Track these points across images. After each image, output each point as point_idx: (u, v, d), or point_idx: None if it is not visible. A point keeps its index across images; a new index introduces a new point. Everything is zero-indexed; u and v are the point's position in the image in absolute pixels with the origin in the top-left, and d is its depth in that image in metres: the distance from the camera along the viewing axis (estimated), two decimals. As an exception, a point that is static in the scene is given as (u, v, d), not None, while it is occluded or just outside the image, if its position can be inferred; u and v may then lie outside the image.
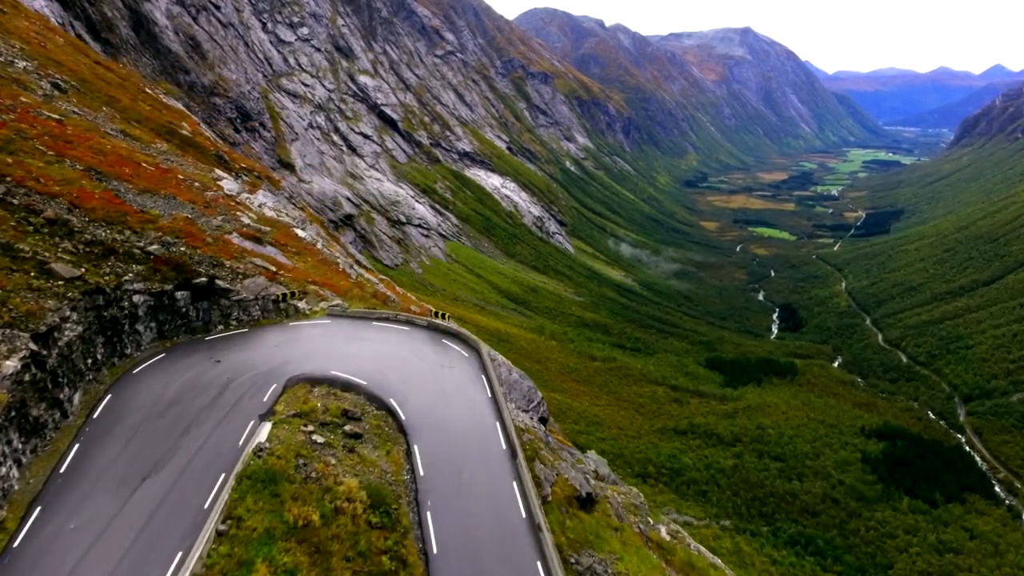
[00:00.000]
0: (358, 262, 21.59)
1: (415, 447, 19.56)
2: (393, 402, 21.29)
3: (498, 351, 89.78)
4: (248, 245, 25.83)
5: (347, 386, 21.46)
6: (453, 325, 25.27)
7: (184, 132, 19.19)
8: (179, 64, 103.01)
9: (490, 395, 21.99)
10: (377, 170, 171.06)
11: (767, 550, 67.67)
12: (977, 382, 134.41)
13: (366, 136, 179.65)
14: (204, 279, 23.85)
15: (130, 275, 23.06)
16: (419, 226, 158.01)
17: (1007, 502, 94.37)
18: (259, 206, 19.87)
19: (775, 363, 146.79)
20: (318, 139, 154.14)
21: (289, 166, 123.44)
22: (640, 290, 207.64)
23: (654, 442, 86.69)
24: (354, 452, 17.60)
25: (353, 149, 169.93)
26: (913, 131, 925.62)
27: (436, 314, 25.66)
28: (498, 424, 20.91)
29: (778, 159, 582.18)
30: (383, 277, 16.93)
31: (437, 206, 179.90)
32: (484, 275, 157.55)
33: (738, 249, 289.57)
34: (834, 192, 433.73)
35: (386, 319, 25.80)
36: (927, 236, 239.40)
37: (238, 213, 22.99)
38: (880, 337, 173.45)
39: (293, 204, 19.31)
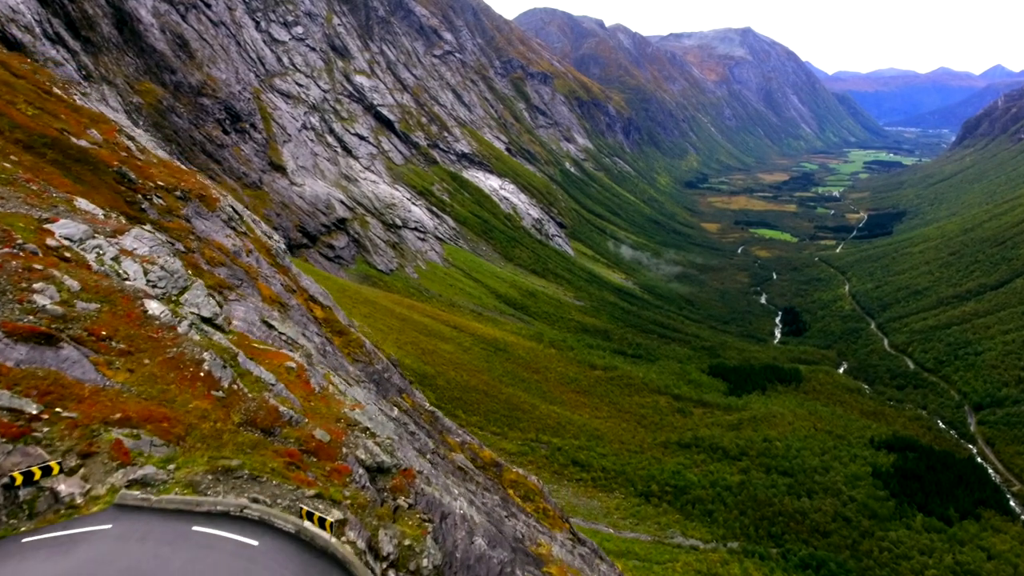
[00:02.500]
0: (311, 299, 16.27)
1: None
2: None
3: (495, 360, 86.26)
4: (13, 356, 13.98)
5: None
6: (338, 542, 13.22)
7: (81, 143, 14.78)
8: (164, 63, 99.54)
9: None
10: (373, 172, 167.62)
11: (777, 575, 64.24)
12: (987, 390, 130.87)
13: (362, 137, 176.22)
14: None
15: None
16: (415, 229, 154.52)
17: (1023, 517, 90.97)
18: (111, 259, 12.45)
19: (779, 370, 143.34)
20: (312, 140, 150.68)
21: (280, 168, 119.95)
22: (641, 293, 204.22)
23: (657, 457, 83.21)
24: None
25: (348, 151, 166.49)
26: (914, 132, 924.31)
27: (310, 517, 13.52)
28: None
29: (779, 160, 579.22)
30: (297, 360, 9.83)
31: (434, 209, 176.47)
32: (482, 279, 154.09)
33: (739, 251, 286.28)
34: (835, 193, 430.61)
35: (225, 514, 13.27)
36: (931, 238, 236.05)
37: (37, 285, 14.92)
38: (886, 342, 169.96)
39: (234, 229, 15.05)
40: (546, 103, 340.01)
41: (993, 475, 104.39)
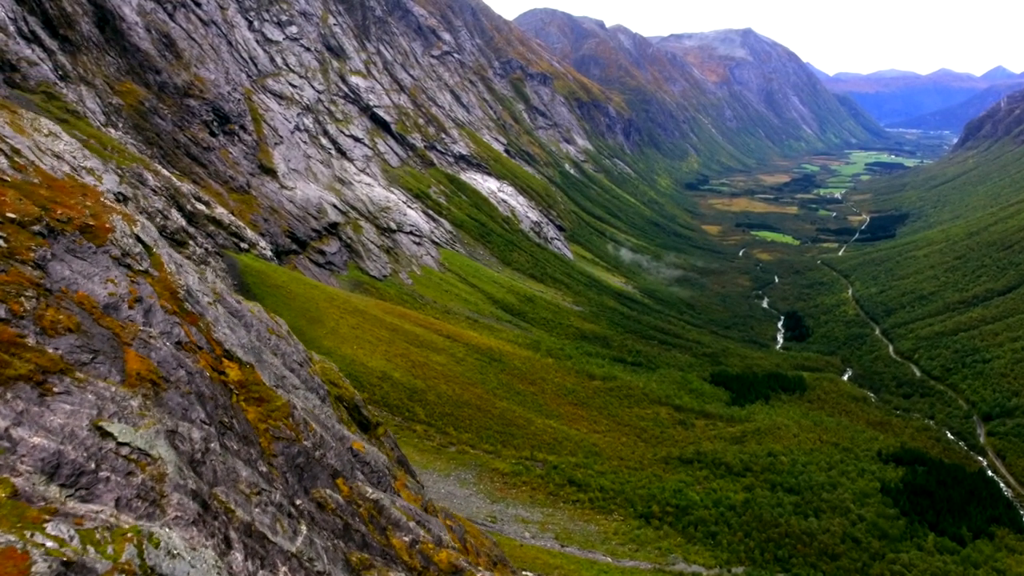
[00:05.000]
0: (226, 355, 12.51)
1: None
2: None
3: (490, 372, 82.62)
4: None
5: None
6: None
7: None
8: (149, 63, 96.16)
9: None
10: (368, 174, 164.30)
11: (785, 603, 60.79)
12: (997, 399, 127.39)
13: (357, 139, 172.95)
14: None
15: None
16: (410, 233, 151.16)
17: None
18: None
19: (783, 377, 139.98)
20: (305, 142, 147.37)
21: (270, 171, 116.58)
22: (641, 298, 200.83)
23: (658, 474, 79.76)
24: None
25: (343, 153, 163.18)
26: (915, 133, 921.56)
27: None
28: None
29: (780, 161, 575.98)
30: (38, 566, 5.66)
31: (430, 212, 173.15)
32: (479, 285, 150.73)
33: (741, 254, 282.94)
34: (837, 195, 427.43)
35: None
36: (936, 242, 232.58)
37: None
38: (891, 349, 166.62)
39: (128, 268, 11.34)
40: (546, 104, 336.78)
41: (1005, 490, 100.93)
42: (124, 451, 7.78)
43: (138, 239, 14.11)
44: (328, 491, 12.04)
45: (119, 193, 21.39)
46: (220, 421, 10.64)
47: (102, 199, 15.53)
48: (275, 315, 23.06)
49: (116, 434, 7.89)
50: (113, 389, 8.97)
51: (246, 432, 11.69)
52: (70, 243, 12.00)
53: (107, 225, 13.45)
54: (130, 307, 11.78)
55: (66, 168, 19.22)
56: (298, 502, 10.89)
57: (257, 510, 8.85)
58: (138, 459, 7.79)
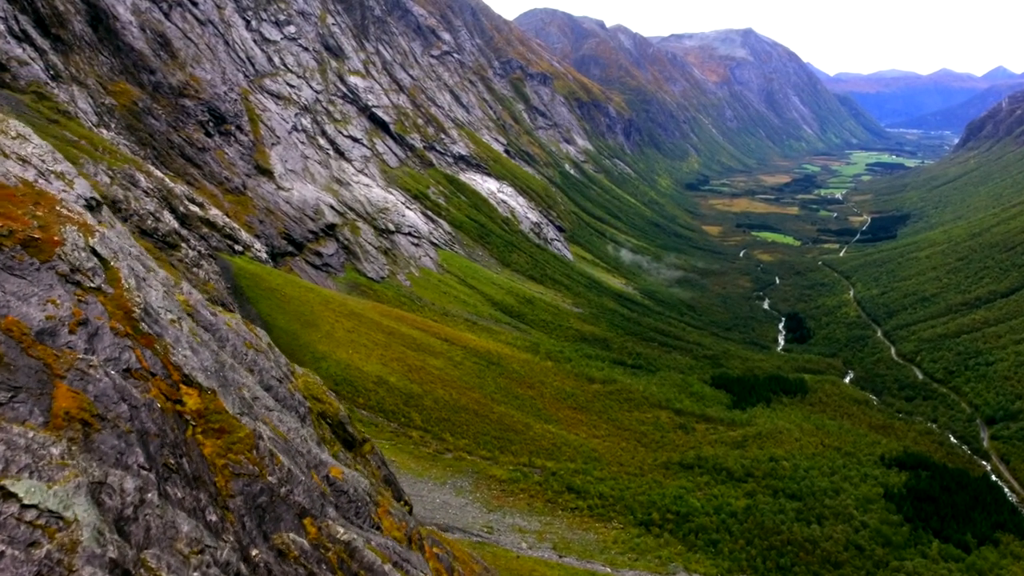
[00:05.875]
0: (185, 380, 11.24)
1: None
2: None
3: (488, 376, 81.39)
4: None
5: None
6: None
7: None
8: (143, 63, 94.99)
9: None
10: (366, 175, 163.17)
11: (787, 613, 59.57)
12: (1000, 402, 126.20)
13: (355, 139, 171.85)
14: None
15: None
16: (409, 234, 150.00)
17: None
18: None
19: (784, 380, 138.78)
20: (302, 143, 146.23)
21: (267, 172, 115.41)
22: (641, 299, 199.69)
23: (658, 480, 78.55)
24: None
25: (341, 153, 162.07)
26: (915, 133, 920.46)
27: None
28: None
29: (780, 161, 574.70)
30: None
31: (429, 213, 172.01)
32: (477, 286, 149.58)
33: (741, 255, 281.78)
34: (838, 195, 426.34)
35: None
36: (938, 243, 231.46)
37: None
38: (893, 351, 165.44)
39: (77, 285, 10.30)
40: (545, 104, 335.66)
41: (1009, 495, 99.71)
42: (29, 516, 6.61)
43: (93, 252, 12.88)
44: (292, 535, 10.87)
45: (91, 199, 20.13)
46: (164, 463, 9.45)
47: (58, 208, 14.29)
48: (254, 327, 21.95)
49: (21, 494, 6.73)
50: (31, 435, 7.79)
51: (199, 472, 10.50)
52: (7, 259, 10.79)
53: (56, 237, 12.23)
54: (71, 331, 10.58)
55: (30, 174, 17.90)
56: (254, 552, 9.71)
57: (196, 574, 7.72)
58: (46, 524, 6.62)
